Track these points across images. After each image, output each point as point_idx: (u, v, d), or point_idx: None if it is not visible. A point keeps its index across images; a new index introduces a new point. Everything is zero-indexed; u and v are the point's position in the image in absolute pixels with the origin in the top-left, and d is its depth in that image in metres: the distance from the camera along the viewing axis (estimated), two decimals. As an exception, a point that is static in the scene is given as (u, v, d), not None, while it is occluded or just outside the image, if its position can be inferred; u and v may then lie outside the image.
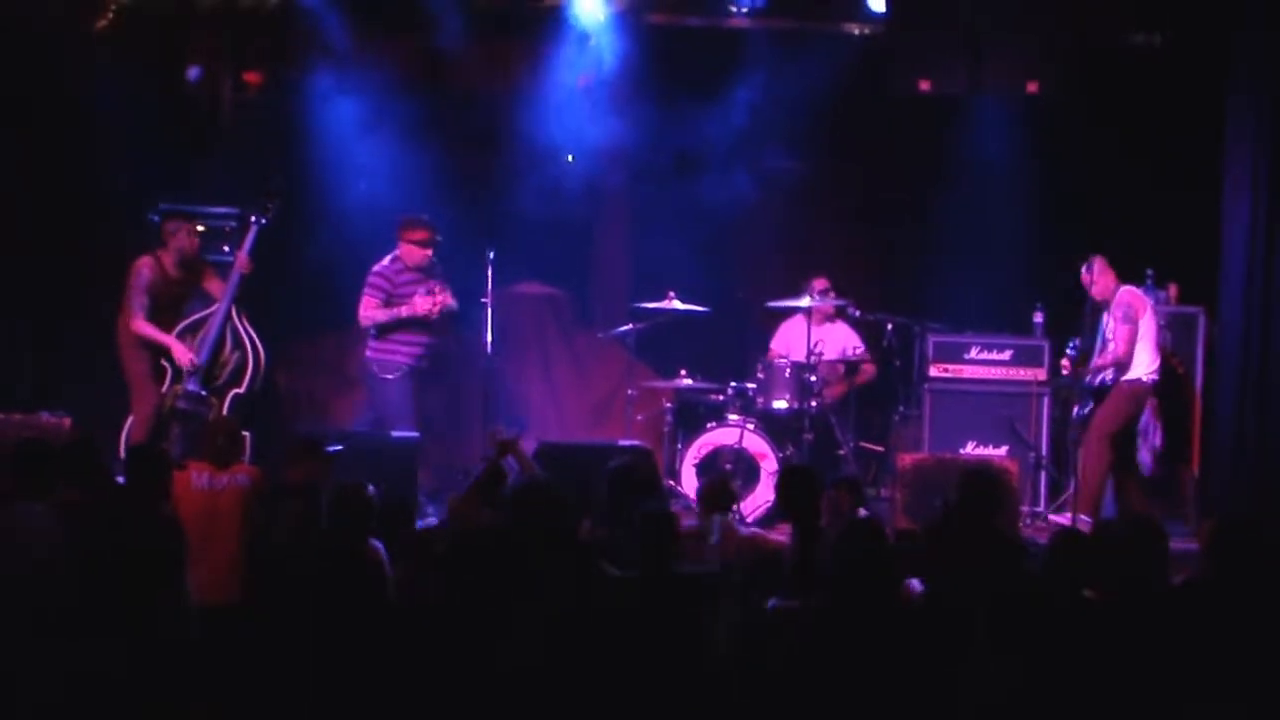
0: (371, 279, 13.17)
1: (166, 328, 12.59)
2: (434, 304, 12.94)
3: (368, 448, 12.10)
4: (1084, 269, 12.69)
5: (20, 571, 7.91)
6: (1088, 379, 12.78)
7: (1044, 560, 7.79)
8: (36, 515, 8.19)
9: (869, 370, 14.30)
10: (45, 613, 7.76)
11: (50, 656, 7.59)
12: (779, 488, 9.41)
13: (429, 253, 13.15)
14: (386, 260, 13.22)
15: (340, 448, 10.67)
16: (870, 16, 14.99)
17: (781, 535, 10.60)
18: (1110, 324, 12.65)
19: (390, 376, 13.11)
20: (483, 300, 13.28)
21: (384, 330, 13.08)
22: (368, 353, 13.24)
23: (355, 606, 8.02)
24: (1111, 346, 12.57)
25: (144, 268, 12.65)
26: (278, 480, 9.98)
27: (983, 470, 10.49)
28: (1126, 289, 12.71)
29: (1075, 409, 12.84)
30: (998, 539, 8.57)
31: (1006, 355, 13.79)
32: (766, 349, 14.33)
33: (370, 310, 13.11)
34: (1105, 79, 14.73)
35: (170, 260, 12.74)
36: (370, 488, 8.73)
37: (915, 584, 7.89)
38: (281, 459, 10.38)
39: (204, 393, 12.51)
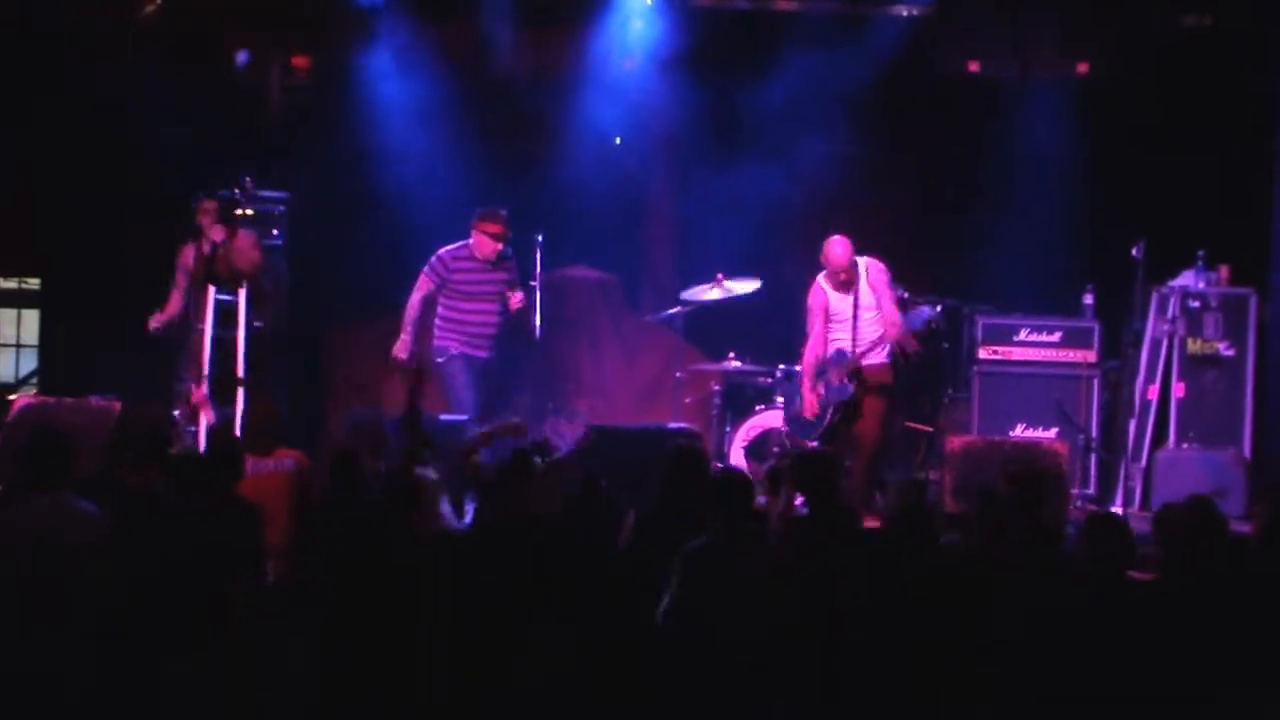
0: (431, 260, 13.27)
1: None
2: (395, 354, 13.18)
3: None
4: (838, 245, 12.45)
5: (65, 567, 7.88)
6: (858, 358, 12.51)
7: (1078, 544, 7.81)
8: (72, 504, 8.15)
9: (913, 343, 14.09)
10: (93, 608, 7.80)
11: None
12: (796, 474, 9.34)
13: (499, 247, 13.14)
14: (454, 245, 13.28)
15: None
16: (919, -2, 14.99)
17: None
18: (869, 294, 12.41)
19: (441, 360, 13.16)
20: (531, 284, 13.28)
21: (443, 317, 13.22)
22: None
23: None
24: (884, 314, 12.38)
25: (185, 252, 12.73)
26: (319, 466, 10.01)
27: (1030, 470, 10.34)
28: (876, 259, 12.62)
29: (836, 398, 12.53)
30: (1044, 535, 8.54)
31: (1056, 337, 13.72)
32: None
33: (415, 295, 13.24)
34: (1155, 59, 14.65)
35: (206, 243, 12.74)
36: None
37: None
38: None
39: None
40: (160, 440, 9.52)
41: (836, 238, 12.49)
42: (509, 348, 13.59)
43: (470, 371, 13.17)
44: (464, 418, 12.76)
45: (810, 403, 12.54)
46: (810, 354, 12.60)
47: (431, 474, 9.35)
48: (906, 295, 13.54)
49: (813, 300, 12.60)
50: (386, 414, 13.09)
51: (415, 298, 13.23)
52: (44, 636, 7.65)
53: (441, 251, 13.26)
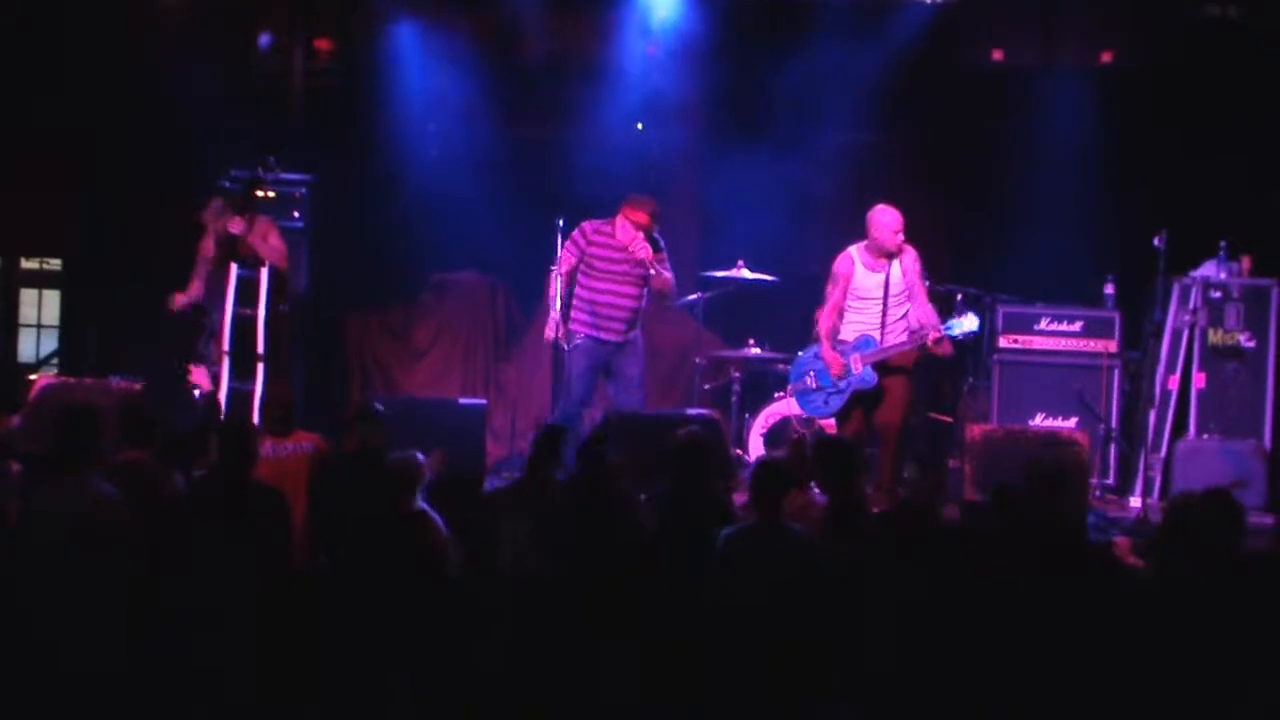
0: (573, 233, 12.67)
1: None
2: (547, 336, 12.69)
3: (435, 416, 12.16)
4: (886, 214, 12.19)
5: (91, 546, 7.90)
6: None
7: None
8: (97, 486, 8.16)
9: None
10: (120, 588, 7.83)
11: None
12: (816, 460, 9.34)
13: (639, 236, 12.55)
14: (600, 220, 12.69)
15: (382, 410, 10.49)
16: (943, -14, 14.97)
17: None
18: (900, 281, 12.18)
19: (567, 347, 12.68)
20: (551, 269, 13.23)
21: (577, 296, 12.62)
22: None
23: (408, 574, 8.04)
24: (918, 309, 12.20)
25: (205, 241, 12.81)
26: (336, 449, 10.02)
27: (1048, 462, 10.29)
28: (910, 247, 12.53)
29: (859, 386, 12.25)
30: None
31: (1077, 327, 13.69)
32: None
33: (558, 269, 12.66)
34: (1179, 49, 14.63)
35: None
36: (420, 456, 8.74)
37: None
38: (338, 427, 10.44)
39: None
40: (145, 419, 9.49)
41: (886, 205, 12.26)
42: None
43: (591, 359, 12.60)
44: (483, 402, 12.78)
45: (834, 361, 12.30)
46: (826, 320, 12.37)
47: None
48: (928, 283, 13.51)
49: (839, 267, 12.31)
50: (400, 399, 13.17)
51: (558, 271, 12.62)
52: (79, 618, 7.68)
53: (585, 224, 12.67)
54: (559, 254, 12.69)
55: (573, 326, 12.62)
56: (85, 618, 7.68)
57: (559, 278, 12.63)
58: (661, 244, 12.73)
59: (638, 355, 12.73)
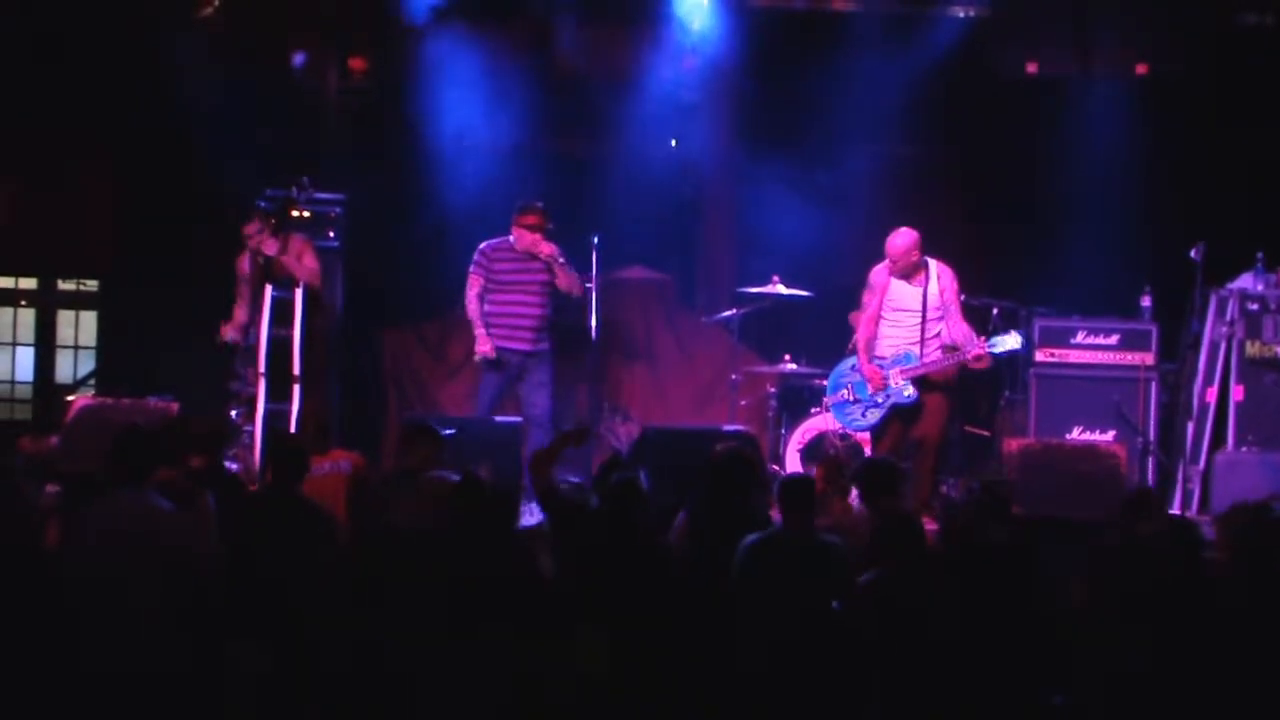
0: (475, 256, 13.15)
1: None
2: (479, 352, 13.03)
3: (473, 433, 12.16)
4: (897, 237, 12.30)
5: (151, 561, 7.92)
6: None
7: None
8: (154, 500, 8.18)
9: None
10: (185, 602, 7.86)
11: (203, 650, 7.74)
12: (861, 480, 9.42)
13: (537, 238, 12.96)
14: (496, 239, 13.15)
15: (453, 431, 10.56)
16: (976, -1, 14.97)
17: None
18: (938, 297, 12.25)
19: (475, 358, 13.13)
20: (588, 286, 13.27)
21: (485, 315, 13.05)
22: None
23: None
24: (955, 328, 12.25)
25: (241, 259, 12.95)
26: (394, 464, 10.01)
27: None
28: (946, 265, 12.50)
29: (898, 401, 12.36)
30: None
31: (1114, 339, 13.64)
32: (871, 333, 14.20)
33: (470, 293, 13.11)
34: (1215, 60, 14.59)
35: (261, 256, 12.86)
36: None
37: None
38: (395, 443, 10.43)
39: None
40: (170, 439, 9.51)
41: (901, 229, 12.34)
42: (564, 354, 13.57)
43: (498, 370, 13.01)
44: (519, 419, 12.81)
45: (874, 376, 12.31)
46: (864, 330, 12.42)
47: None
48: (963, 297, 13.48)
49: (874, 278, 12.40)
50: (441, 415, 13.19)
51: (471, 295, 13.06)
52: (137, 632, 7.71)
53: (483, 245, 13.14)
54: (468, 280, 13.11)
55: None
56: (145, 633, 7.72)
57: (473, 300, 13.07)
58: (558, 246, 13.07)
59: (547, 362, 13.17)
